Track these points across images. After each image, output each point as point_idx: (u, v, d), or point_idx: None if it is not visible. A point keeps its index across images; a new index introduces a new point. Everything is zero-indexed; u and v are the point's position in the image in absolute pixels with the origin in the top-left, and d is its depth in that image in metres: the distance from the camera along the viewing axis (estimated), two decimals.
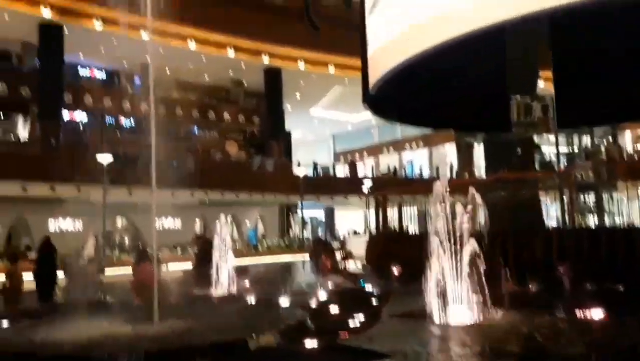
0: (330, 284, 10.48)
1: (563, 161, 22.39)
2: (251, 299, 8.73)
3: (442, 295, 6.24)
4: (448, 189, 6.75)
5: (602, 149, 25.05)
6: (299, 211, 31.42)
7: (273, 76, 31.15)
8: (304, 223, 33.31)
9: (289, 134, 34.81)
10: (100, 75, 29.94)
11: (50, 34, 24.05)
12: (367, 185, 29.44)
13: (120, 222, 26.97)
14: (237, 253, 17.23)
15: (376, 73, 12.62)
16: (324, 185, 32.12)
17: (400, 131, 40.22)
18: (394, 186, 24.51)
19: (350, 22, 23.26)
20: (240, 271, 11.03)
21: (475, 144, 33.50)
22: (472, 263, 6.37)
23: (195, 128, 32.13)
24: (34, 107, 24.99)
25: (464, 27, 9.03)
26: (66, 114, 26.97)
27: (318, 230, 37.82)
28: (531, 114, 14.90)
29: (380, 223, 15.84)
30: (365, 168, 37.87)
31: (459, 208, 6.63)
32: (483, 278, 6.32)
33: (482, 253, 6.48)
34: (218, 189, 26.08)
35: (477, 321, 6.05)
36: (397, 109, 15.08)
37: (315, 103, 37.17)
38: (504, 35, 12.94)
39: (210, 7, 26.67)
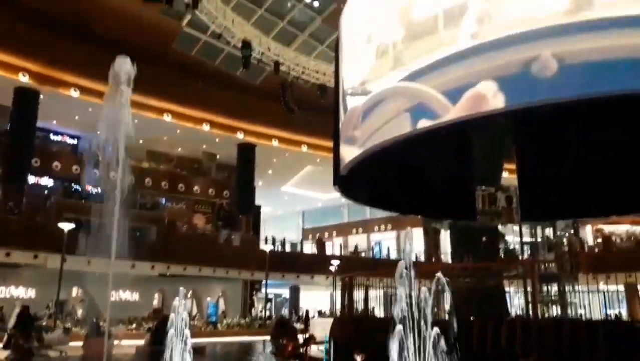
0: None
1: (527, 251, 22.78)
2: None
3: None
4: (413, 272, 6.73)
5: (565, 241, 25.67)
6: (263, 288, 30.78)
7: (246, 151, 31.58)
8: (267, 301, 32.53)
9: (258, 208, 34.77)
10: (72, 142, 29.87)
11: (25, 98, 24.07)
12: (334, 264, 29.22)
13: (75, 292, 25.82)
14: (196, 331, 16.57)
15: (347, 156, 12.89)
16: (290, 262, 31.73)
17: (369, 212, 40.64)
18: (361, 266, 24.33)
19: (325, 107, 24.12)
20: (197, 351, 10.50)
21: (442, 230, 33.94)
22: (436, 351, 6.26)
23: (164, 199, 31.85)
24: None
25: (430, 121, 9.40)
26: (32, 179, 26.49)
27: (282, 309, 36.92)
28: (496, 204, 15.35)
29: (346, 305, 15.55)
30: (333, 247, 37.76)
31: (423, 291, 6.59)
32: None
33: (446, 341, 6.38)
34: (181, 263, 25.50)
35: None
36: (367, 192, 15.29)
37: (286, 180, 37.54)
38: (470, 128, 13.58)
39: (188, 84, 27.34)
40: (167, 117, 28.11)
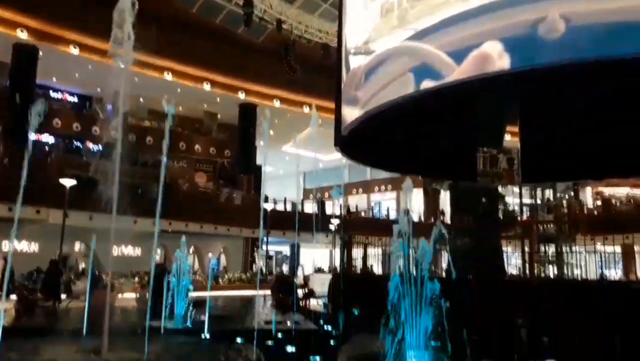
0: (289, 323, 10.33)
1: (526, 212, 22.95)
2: (206, 334, 8.51)
3: (401, 339, 6.22)
4: (411, 231, 6.81)
5: (564, 203, 25.80)
6: (263, 245, 31.18)
7: (248, 111, 31.39)
8: (268, 257, 33.03)
9: (259, 169, 34.84)
10: (72, 99, 29.66)
11: (24, 55, 23.79)
12: (334, 223, 29.48)
13: (78, 246, 26.20)
14: (197, 285, 16.88)
15: (349, 117, 12.83)
16: (291, 221, 31.98)
17: (370, 173, 40.72)
18: (360, 226, 24.63)
19: (327, 66, 23.84)
20: (198, 304, 10.77)
21: (442, 191, 34.09)
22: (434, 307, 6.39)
23: (165, 157, 31.82)
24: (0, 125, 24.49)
25: (434, 82, 9.30)
26: (32, 135, 26.45)
27: (282, 266, 37.49)
28: (497, 166, 15.37)
29: (345, 262, 15.84)
30: (334, 207, 38.00)
31: (422, 244, 6.66)
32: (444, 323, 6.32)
33: (443, 299, 6.50)
34: (183, 220, 25.71)
35: None
36: (368, 153, 15.29)
37: (287, 140, 37.44)
38: (474, 91, 13.45)
39: (189, 42, 26.95)
40: (168, 76, 27.85)
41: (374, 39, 10.96)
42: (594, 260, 19.55)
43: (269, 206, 28.92)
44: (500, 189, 17.40)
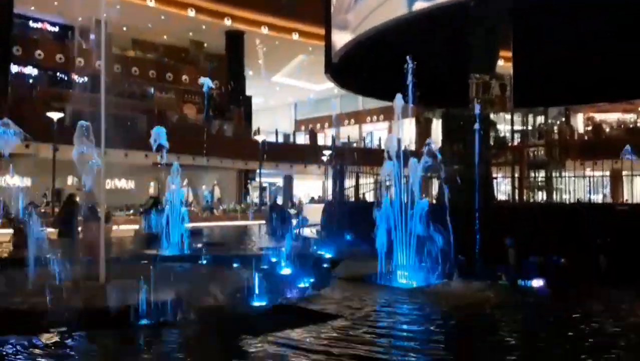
0: (284, 248, 10.53)
1: (517, 139, 22.96)
2: (203, 260, 8.68)
3: (390, 260, 6.37)
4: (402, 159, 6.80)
5: (555, 128, 25.80)
6: (257, 177, 31.30)
7: (235, 39, 30.48)
8: (262, 189, 33.25)
9: (249, 99, 34.32)
10: (53, 29, 28.59)
11: None
12: (326, 154, 29.50)
13: (70, 180, 26.18)
14: (192, 216, 17.07)
15: (339, 43, 12.52)
16: (283, 152, 31.98)
17: (362, 103, 40.30)
18: (352, 156, 24.61)
19: None
20: (194, 233, 10.92)
21: (434, 120, 33.90)
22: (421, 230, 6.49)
23: (152, 89, 31.21)
24: None
25: (427, 2, 9.00)
26: (15, 68, 25.71)
27: (276, 196, 37.82)
28: (489, 92, 15.23)
29: (337, 191, 15.96)
30: (326, 138, 37.90)
31: (412, 163, 6.68)
32: (433, 246, 6.44)
33: (433, 224, 6.59)
34: (174, 152, 25.57)
35: (422, 284, 6.22)
36: (359, 81, 15.04)
37: (277, 70, 36.68)
38: (467, 13, 13.08)
39: None
40: (151, 2, 26.74)
41: None
42: (582, 185, 19.82)
43: (260, 138, 28.77)
44: (492, 116, 17.30)
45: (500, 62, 17.86)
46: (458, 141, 15.61)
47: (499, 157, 17.52)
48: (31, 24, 27.87)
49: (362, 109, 40.91)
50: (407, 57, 13.10)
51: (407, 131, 36.46)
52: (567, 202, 17.05)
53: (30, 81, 26.58)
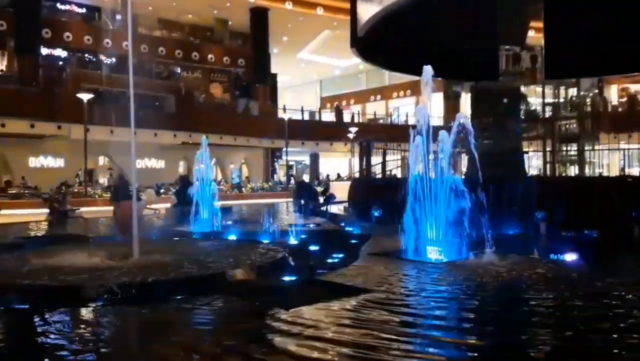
0: (313, 225, 10.59)
1: (549, 112, 22.43)
2: (232, 237, 8.80)
3: (420, 235, 6.34)
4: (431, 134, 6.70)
5: (588, 101, 25.11)
6: (283, 155, 31.40)
7: (259, 16, 30.33)
8: (288, 167, 33.38)
9: (275, 77, 34.26)
10: (80, 10, 28.90)
11: None
12: (352, 131, 29.37)
13: (102, 161, 26.73)
14: (221, 194, 17.27)
15: (365, 16, 12.33)
16: (309, 130, 31.95)
17: (388, 78, 39.82)
18: (379, 132, 24.46)
19: None
20: (223, 211, 11.06)
21: (463, 94, 33.33)
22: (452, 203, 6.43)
23: (179, 68, 31.44)
24: (11, 41, 24.20)
25: None
26: (45, 50, 26.17)
27: (303, 174, 37.98)
28: (519, 64, 14.85)
29: (364, 168, 15.91)
30: (352, 114, 37.72)
31: (442, 135, 6.60)
32: (463, 220, 6.38)
33: (462, 196, 6.52)
34: (202, 131, 25.86)
35: (453, 259, 6.18)
36: (385, 55, 14.83)
37: (302, 46, 36.44)
38: None
39: None
40: None
41: None
42: (617, 158, 19.33)
43: (286, 116, 28.80)
44: (522, 88, 16.91)
45: (531, 33, 17.39)
46: (488, 115, 15.34)
47: (530, 131, 17.19)
48: (59, 6, 28.22)
49: (389, 84, 40.43)
50: (433, 31, 12.90)
51: (436, 106, 36.15)
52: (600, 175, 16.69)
53: (60, 63, 27.03)
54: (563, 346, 3.25)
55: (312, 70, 40.80)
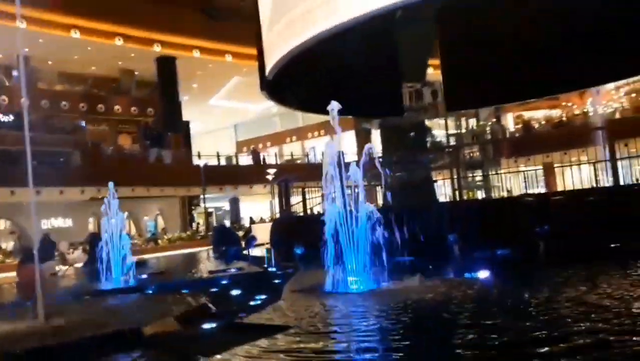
0: (234, 270, 10.37)
1: (453, 142, 23.76)
2: (149, 290, 8.40)
3: (340, 268, 6.40)
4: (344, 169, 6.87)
5: (487, 129, 26.91)
6: (201, 203, 30.76)
7: (166, 65, 30.04)
8: (207, 215, 32.69)
9: (187, 125, 33.84)
10: None
11: None
12: (271, 172, 29.43)
13: (3, 224, 24.84)
14: (137, 248, 16.51)
15: (272, 58, 12.59)
16: (227, 175, 31.65)
17: (302, 119, 40.59)
18: (297, 172, 24.68)
19: (245, 12, 22.99)
20: (139, 265, 10.57)
21: (373, 130, 34.55)
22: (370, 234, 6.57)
23: (83, 122, 30.22)
24: None
25: (351, 13, 9.24)
26: None
27: (223, 221, 37.28)
28: (422, 99, 15.76)
29: (284, 208, 15.95)
30: (269, 157, 37.87)
31: (353, 168, 6.78)
32: (382, 249, 6.53)
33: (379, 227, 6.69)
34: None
35: (374, 288, 6.28)
36: (295, 96, 15.17)
37: (213, 93, 36.43)
38: (394, 24, 13.53)
39: None
40: (76, 34, 25.98)
41: None
42: (518, 181, 20.72)
43: (201, 162, 28.41)
44: (427, 122, 17.91)
45: (430, 70, 18.54)
46: (397, 148, 16.02)
47: (437, 161, 18.07)
48: None
49: (303, 125, 41.19)
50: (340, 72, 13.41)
51: (349, 143, 37.05)
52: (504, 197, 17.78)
53: None
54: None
55: (226, 115, 40.77)
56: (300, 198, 16.11)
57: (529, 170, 20.14)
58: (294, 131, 42.60)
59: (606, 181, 15.35)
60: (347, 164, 6.97)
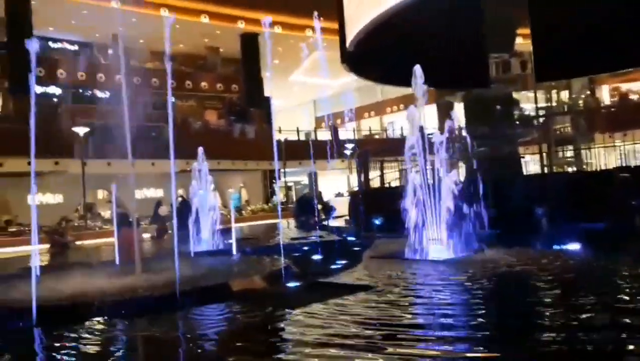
0: (314, 237, 10.60)
1: (542, 116, 22.61)
2: (235, 253, 8.77)
3: (420, 236, 6.36)
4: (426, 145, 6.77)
5: (580, 103, 25.32)
6: (281, 176, 31.41)
7: (249, 42, 30.65)
8: (287, 187, 33.40)
9: (268, 100, 34.50)
10: (72, 47, 29.28)
11: (18, 6, 23.33)
12: (349, 147, 29.49)
13: (101, 194, 26.70)
14: (221, 219, 17.16)
15: (354, 30, 12.52)
16: (305, 150, 32.04)
17: (381, 93, 40.14)
18: (375, 147, 24.58)
19: None
20: (224, 231, 11.06)
21: (456, 104, 33.52)
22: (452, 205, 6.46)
23: (173, 97, 31.63)
24: (5, 82, 24.45)
25: None
26: (39, 88, 26.41)
27: (303, 192, 37.94)
28: (510, 71, 15.03)
29: (362, 182, 15.97)
30: (347, 132, 37.90)
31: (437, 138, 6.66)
32: (464, 219, 6.41)
33: (462, 197, 6.55)
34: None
35: (454, 256, 6.19)
36: (376, 68, 15.01)
37: (294, 69, 36.78)
38: None
39: None
40: (165, 12, 27.13)
41: None
42: (613, 157, 19.38)
43: (282, 138, 28.95)
44: (514, 94, 17.09)
45: (519, 40, 17.61)
46: (481, 122, 15.46)
47: (525, 136, 17.27)
48: (51, 44, 28.59)
49: (382, 99, 40.75)
50: (423, 42, 13.06)
51: (429, 117, 36.10)
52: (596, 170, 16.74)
53: (55, 99, 27.25)
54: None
55: (305, 91, 41.12)
56: (378, 173, 16.05)
57: (627, 144, 18.79)
58: (372, 106, 42.25)
59: None
60: (430, 135, 6.87)
